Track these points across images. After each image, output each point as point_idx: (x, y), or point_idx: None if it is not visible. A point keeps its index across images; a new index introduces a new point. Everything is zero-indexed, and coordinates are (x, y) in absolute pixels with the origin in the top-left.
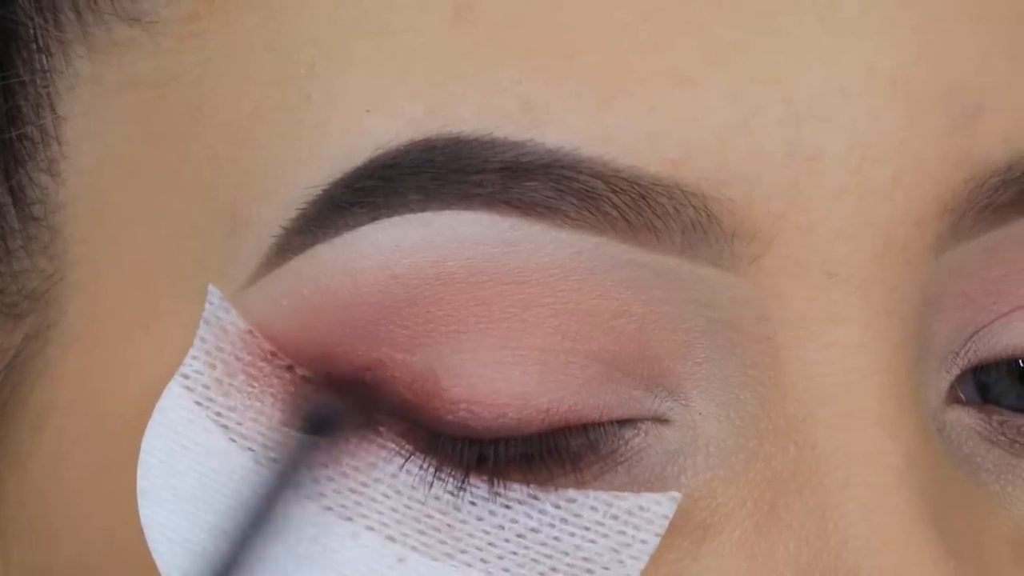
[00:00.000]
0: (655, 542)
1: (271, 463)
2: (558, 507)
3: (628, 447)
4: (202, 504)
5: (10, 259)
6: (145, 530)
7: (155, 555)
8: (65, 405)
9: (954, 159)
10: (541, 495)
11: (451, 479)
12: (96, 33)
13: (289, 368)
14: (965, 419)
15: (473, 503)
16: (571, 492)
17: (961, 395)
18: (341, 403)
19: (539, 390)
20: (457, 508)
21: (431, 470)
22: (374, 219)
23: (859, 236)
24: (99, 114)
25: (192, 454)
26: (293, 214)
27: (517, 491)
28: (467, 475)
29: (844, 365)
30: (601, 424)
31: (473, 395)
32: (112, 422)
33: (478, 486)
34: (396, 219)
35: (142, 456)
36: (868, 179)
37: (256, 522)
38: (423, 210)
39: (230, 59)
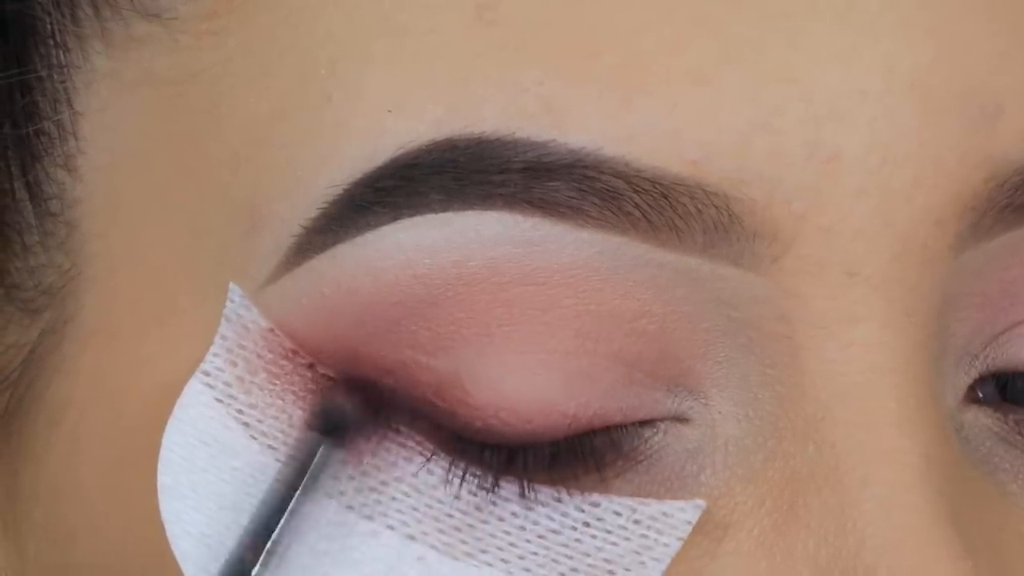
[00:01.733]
0: (677, 546)
1: (291, 461)
2: (581, 511)
3: (648, 446)
4: (223, 501)
5: (27, 254)
6: (166, 526)
7: (176, 551)
8: (81, 401)
9: (974, 159)
10: (565, 498)
11: (476, 479)
12: (114, 29)
13: (310, 366)
14: (983, 419)
15: (495, 503)
16: (595, 496)
17: (980, 395)
18: (361, 402)
19: (565, 396)
20: (479, 508)
21: (455, 470)
22: (395, 219)
23: (879, 236)
24: (116, 110)
25: (213, 451)
26: (314, 213)
27: (542, 493)
28: (496, 478)
29: (863, 364)
30: (623, 425)
31: (500, 402)
32: (128, 418)
33: (503, 487)
34: (418, 219)
35: (163, 452)
36: (888, 180)
37: (277, 520)
38: (445, 210)
39: (249, 58)
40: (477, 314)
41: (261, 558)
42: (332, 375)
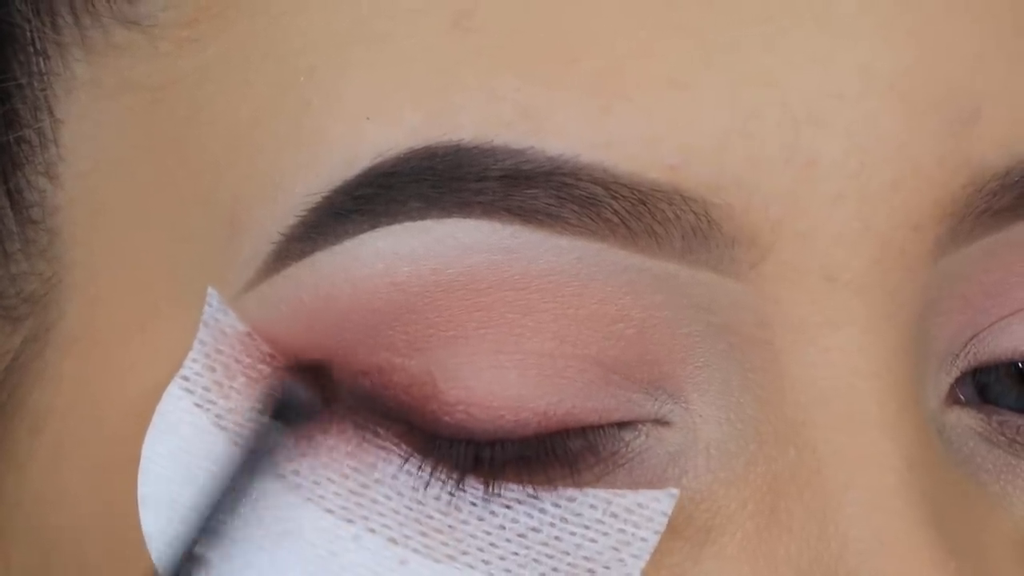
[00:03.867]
0: (655, 540)
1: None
2: (558, 506)
3: (629, 449)
4: (201, 509)
5: (8, 262)
6: (145, 537)
7: (155, 560)
8: (63, 408)
9: (952, 163)
10: (541, 494)
11: (450, 480)
12: (94, 36)
13: (289, 370)
14: (965, 420)
15: (474, 504)
16: (570, 491)
17: (960, 396)
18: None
19: (536, 393)
20: (458, 509)
21: (429, 471)
22: (374, 227)
23: (858, 241)
24: (97, 117)
25: (192, 459)
26: (292, 221)
27: (515, 491)
28: (463, 476)
29: (844, 368)
30: (600, 427)
31: (470, 397)
32: (110, 425)
33: (476, 487)
34: (396, 227)
35: (143, 462)
36: (866, 184)
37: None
38: (423, 218)
39: (229, 64)
40: (454, 318)
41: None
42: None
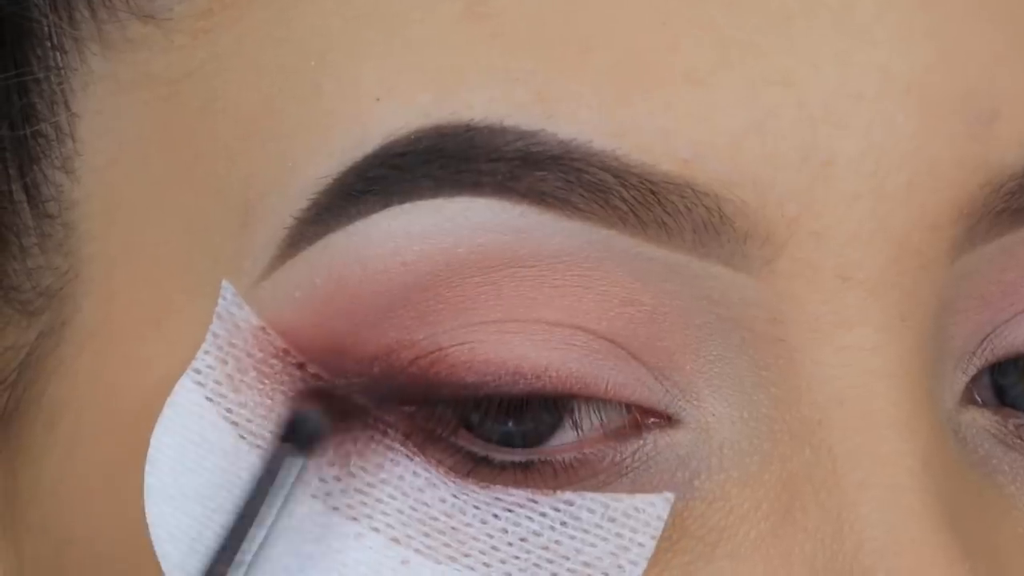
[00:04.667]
0: (652, 545)
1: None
2: (558, 510)
3: (634, 459)
4: (208, 502)
5: (24, 256)
6: (150, 527)
7: (159, 553)
8: (79, 402)
9: (970, 164)
10: (540, 498)
11: (453, 482)
12: (110, 30)
13: (300, 366)
14: (980, 420)
15: (477, 507)
16: (569, 495)
17: (977, 398)
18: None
19: (541, 353)
20: (461, 511)
21: (433, 472)
22: (385, 207)
23: (873, 241)
24: (113, 111)
25: (201, 451)
26: (305, 204)
27: (516, 495)
28: (467, 478)
29: (859, 368)
30: (609, 401)
31: (474, 356)
32: (125, 419)
33: (479, 490)
34: (407, 206)
35: (150, 452)
36: (883, 184)
37: (261, 521)
38: (434, 197)
39: (242, 54)
40: (464, 293)
41: (244, 560)
42: (323, 374)
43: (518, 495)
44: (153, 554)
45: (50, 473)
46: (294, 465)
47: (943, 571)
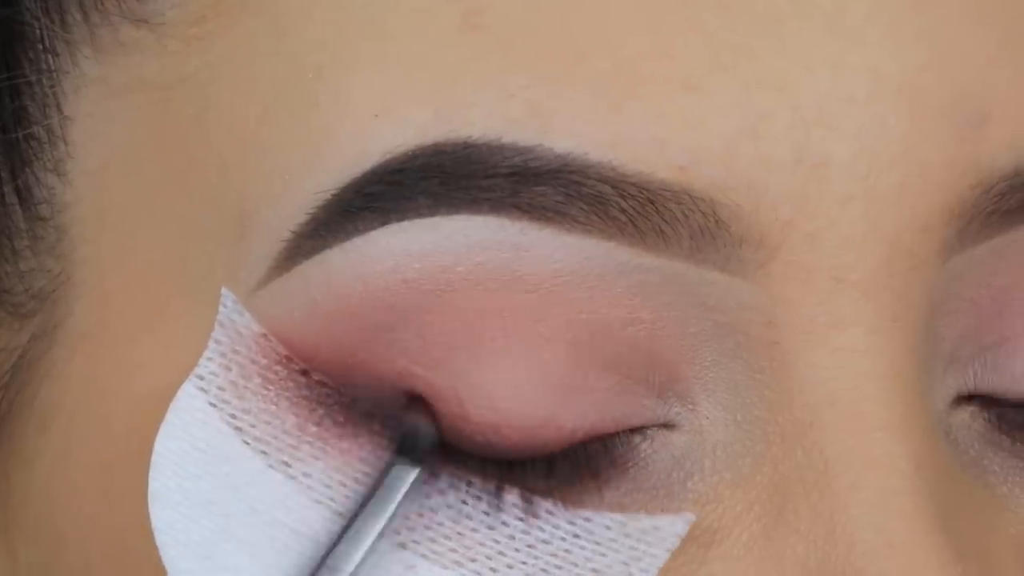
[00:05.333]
0: (665, 556)
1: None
2: (573, 523)
3: (636, 453)
4: (213, 508)
5: (16, 259)
6: (155, 533)
7: (164, 558)
8: (71, 405)
9: (961, 166)
10: (558, 511)
11: (461, 488)
12: (103, 34)
13: (304, 372)
14: (972, 422)
15: (485, 512)
16: (587, 512)
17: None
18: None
19: (564, 411)
20: (468, 516)
21: (440, 477)
22: (384, 223)
23: (866, 242)
24: (105, 115)
25: (205, 457)
26: (303, 218)
27: (535, 505)
28: (492, 488)
29: (851, 370)
30: (616, 433)
31: (499, 419)
32: (118, 423)
33: (497, 498)
34: (406, 224)
35: (155, 457)
36: (875, 186)
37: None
38: (432, 215)
39: (237, 62)
40: (468, 324)
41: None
42: (327, 381)
43: (537, 505)
44: (144, 557)
45: (42, 475)
46: (407, 476)
47: (935, 573)
